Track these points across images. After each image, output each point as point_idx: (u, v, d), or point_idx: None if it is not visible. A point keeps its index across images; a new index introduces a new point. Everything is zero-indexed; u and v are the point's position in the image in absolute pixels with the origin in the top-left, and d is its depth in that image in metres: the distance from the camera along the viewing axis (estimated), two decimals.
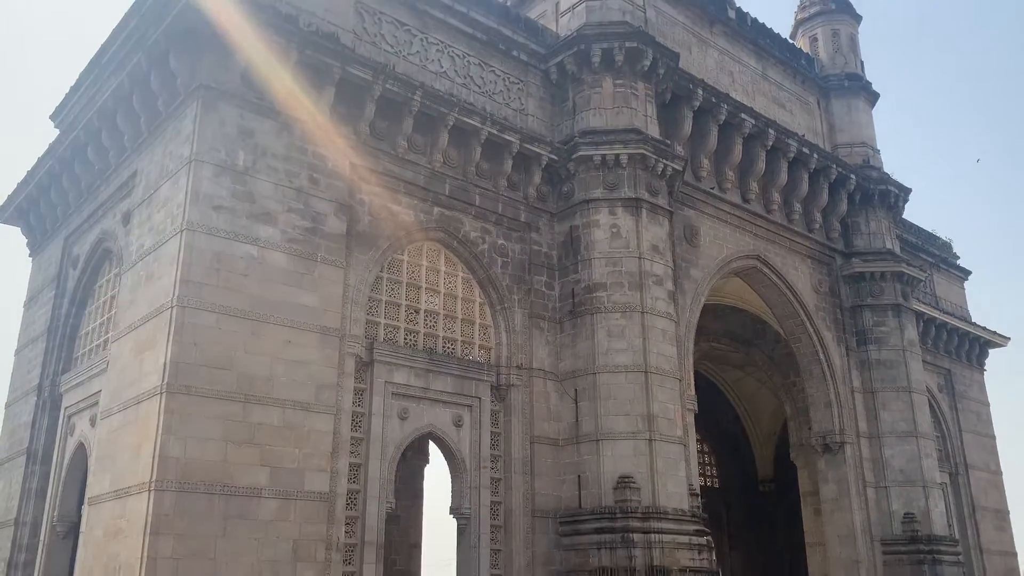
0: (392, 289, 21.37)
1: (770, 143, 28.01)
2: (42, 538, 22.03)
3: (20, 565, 22.34)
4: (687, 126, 26.30)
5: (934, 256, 39.13)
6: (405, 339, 21.23)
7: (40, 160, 25.30)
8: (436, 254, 22.49)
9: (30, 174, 25.92)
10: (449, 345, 22.06)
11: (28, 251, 27.94)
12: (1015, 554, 37.40)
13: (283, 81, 19.22)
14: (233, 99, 18.93)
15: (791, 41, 34.09)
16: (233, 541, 16.48)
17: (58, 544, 21.65)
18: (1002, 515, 37.23)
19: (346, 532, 18.59)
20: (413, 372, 20.78)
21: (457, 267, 22.76)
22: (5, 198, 27.53)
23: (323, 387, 18.62)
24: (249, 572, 16.50)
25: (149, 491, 16.13)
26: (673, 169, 24.36)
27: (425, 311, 21.82)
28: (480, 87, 23.77)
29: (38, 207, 26.59)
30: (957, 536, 31.78)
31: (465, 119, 22.13)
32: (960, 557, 30.00)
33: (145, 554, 15.69)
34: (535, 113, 24.74)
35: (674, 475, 21.95)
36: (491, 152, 23.02)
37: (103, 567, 16.99)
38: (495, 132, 22.71)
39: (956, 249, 41.56)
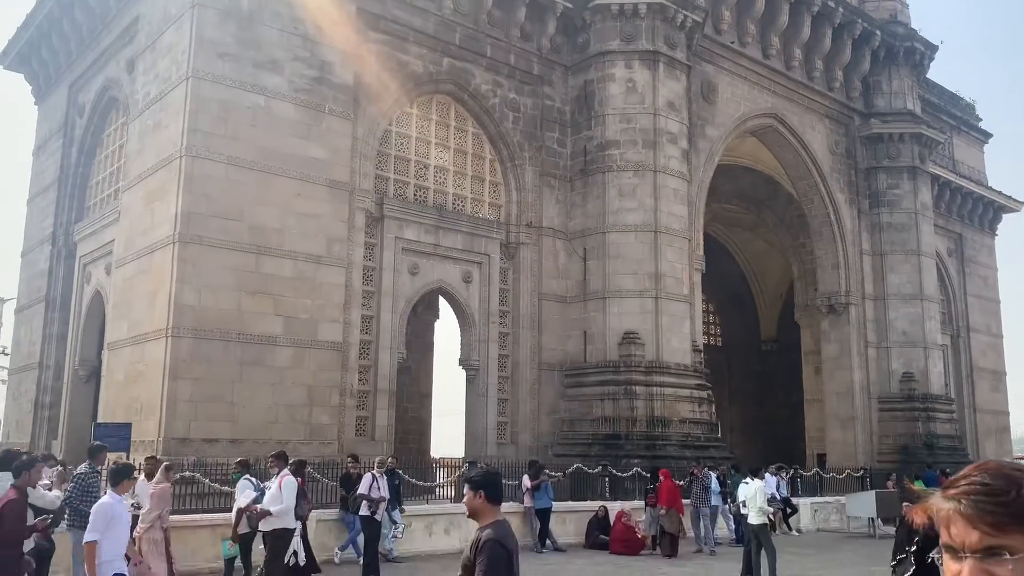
0: (401, 143, 21.12)
1: None
2: (65, 380, 22.87)
3: (46, 405, 23.32)
4: None
5: (955, 118, 38.17)
6: (415, 195, 21.17)
7: (39, 2, 24.49)
8: (446, 108, 22.07)
9: (30, 17, 25.16)
10: (459, 202, 22.01)
11: (33, 99, 27.53)
12: (1007, 413, 38.52)
13: None
14: None
15: None
16: (250, 386, 17.08)
17: (80, 387, 22.50)
18: (999, 376, 38.07)
19: (359, 379, 19.21)
20: (423, 228, 20.84)
21: (467, 122, 22.37)
22: (6, 43, 26.89)
23: (334, 240, 18.75)
24: (266, 414, 17.19)
25: (166, 337, 16.58)
26: (693, 21, 23.45)
27: (435, 167, 21.65)
28: None
29: (40, 53, 25.97)
30: (953, 395, 32.61)
31: None
32: (954, 415, 30.94)
33: (165, 396, 16.32)
34: None
35: (678, 332, 22.37)
36: None
37: (125, 408, 17.70)
38: None
39: (979, 111, 40.50)
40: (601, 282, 22.22)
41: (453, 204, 21.83)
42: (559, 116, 23.40)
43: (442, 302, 24.55)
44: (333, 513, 13.97)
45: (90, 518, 6.39)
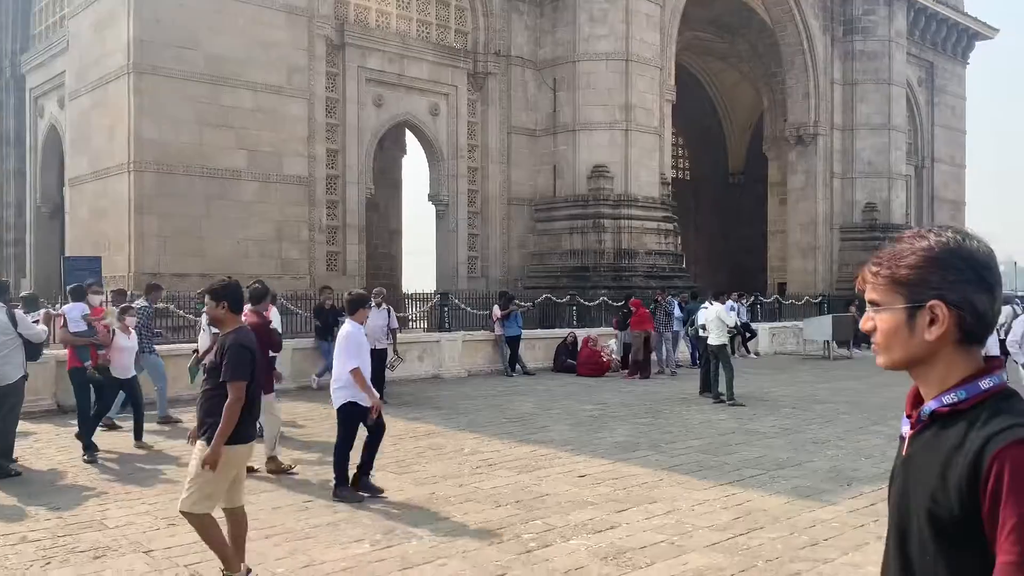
0: None
1: None
2: (28, 218, 22.57)
3: (11, 243, 23.11)
4: None
5: None
6: (377, 21, 20.34)
7: None
8: None
9: None
10: (424, 29, 21.21)
11: None
12: None
13: None
14: None
15: None
16: (217, 221, 17.00)
17: (45, 223, 22.24)
18: (958, 206, 38.83)
19: (328, 215, 19.17)
20: (387, 57, 20.18)
21: None
22: None
23: (294, 70, 18.16)
24: (235, 249, 17.22)
25: (128, 172, 16.29)
26: None
27: None
28: None
29: None
30: (912, 225, 33.30)
31: None
32: None
33: (132, 231, 16.23)
34: None
35: (647, 165, 22.37)
36: None
37: (93, 244, 17.61)
38: None
39: None
40: (571, 114, 21.92)
41: (418, 31, 21.06)
42: None
43: (409, 137, 24.14)
44: (309, 342, 14.34)
45: (341, 348, 6.72)
